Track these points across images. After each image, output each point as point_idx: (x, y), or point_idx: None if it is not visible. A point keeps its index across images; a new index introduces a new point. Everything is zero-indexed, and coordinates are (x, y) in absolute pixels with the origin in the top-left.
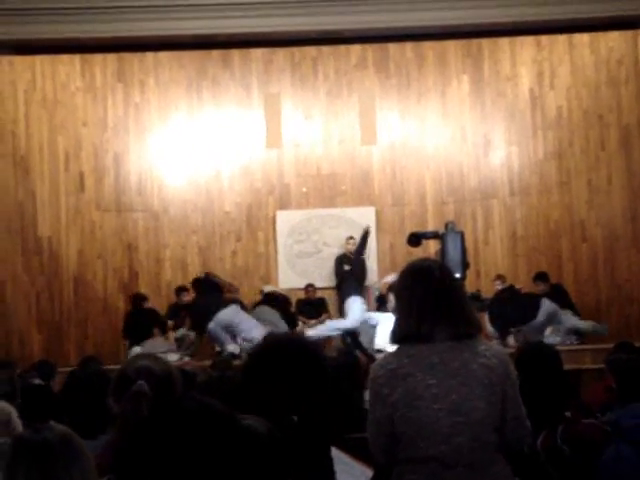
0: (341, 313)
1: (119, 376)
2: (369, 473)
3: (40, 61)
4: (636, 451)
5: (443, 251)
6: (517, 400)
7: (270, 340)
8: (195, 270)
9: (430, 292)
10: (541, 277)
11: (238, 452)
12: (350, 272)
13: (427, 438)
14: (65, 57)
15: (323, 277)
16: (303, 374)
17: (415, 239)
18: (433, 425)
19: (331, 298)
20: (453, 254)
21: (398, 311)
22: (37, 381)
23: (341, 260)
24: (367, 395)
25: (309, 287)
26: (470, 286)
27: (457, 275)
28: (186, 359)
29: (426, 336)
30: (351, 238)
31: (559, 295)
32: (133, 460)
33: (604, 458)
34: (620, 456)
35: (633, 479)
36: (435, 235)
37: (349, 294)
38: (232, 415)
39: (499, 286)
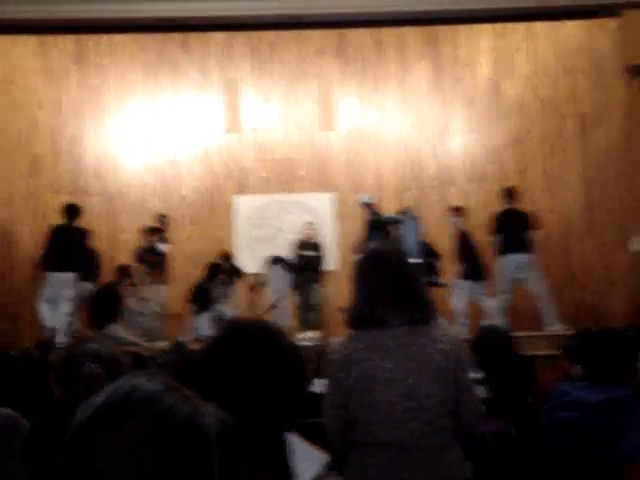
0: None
1: (65, 360)
2: (325, 458)
3: None
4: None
5: (401, 236)
6: (469, 385)
7: (233, 323)
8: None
9: (386, 277)
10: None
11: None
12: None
13: (382, 423)
14: (21, 38)
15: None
16: (263, 358)
17: (377, 224)
18: (388, 410)
19: None
20: (410, 239)
21: (354, 296)
22: None
23: (299, 246)
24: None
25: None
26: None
27: (415, 260)
28: None
29: (381, 321)
30: (310, 223)
31: None
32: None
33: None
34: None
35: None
36: (395, 221)
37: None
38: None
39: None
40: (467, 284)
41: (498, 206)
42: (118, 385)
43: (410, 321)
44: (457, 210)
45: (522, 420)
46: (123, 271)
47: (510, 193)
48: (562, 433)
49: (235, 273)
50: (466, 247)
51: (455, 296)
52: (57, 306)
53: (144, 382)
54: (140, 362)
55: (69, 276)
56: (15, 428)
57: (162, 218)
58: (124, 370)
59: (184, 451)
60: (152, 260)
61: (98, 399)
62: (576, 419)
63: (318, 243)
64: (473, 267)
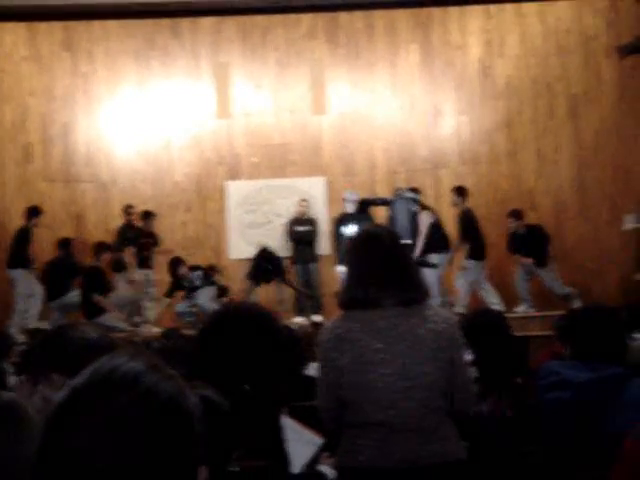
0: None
1: (49, 347)
2: (318, 440)
3: None
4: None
5: (392, 217)
6: (464, 366)
7: (226, 308)
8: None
9: (379, 258)
10: (514, 214)
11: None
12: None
13: (375, 403)
14: (10, 25)
15: (274, 247)
16: (257, 343)
17: (364, 205)
18: (381, 390)
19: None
20: (402, 220)
21: (347, 276)
22: None
23: (293, 222)
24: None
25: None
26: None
27: (408, 241)
28: None
29: (374, 301)
30: (304, 200)
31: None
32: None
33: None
34: (560, 399)
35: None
36: (384, 202)
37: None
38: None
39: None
40: (473, 264)
41: (490, 189)
42: (99, 365)
43: (403, 302)
44: (459, 190)
45: (513, 400)
46: (101, 247)
47: (518, 213)
48: (554, 412)
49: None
50: (470, 227)
51: (460, 276)
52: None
53: (125, 362)
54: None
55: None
56: (15, 413)
57: (129, 209)
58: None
59: (166, 431)
60: (146, 244)
61: (79, 379)
62: (567, 398)
63: (312, 219)
64: (478, 246)
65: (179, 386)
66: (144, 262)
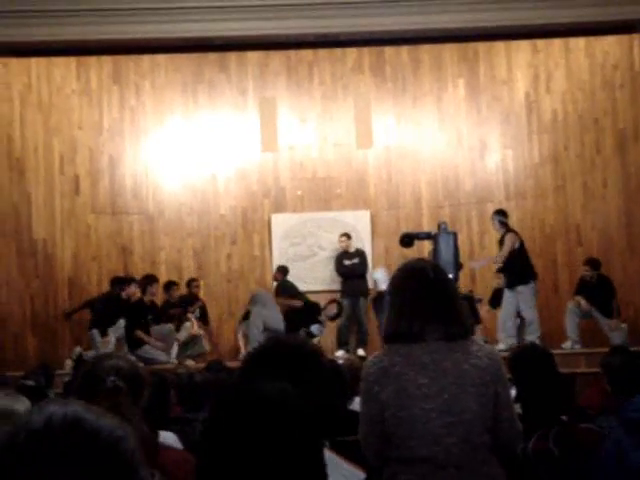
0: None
1: (85, 376)
2: (361, 475)
3: (36, 63)
4: (635, 442)
5: (436, 251)
6: (508, 401)
7: (270, 341)
8: (190, 273)
9: (423, 291)
10: (592, 263)
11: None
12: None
13: (418, 438)
14: (60, 59)
15: (317, 280)
16: (301, 376)
17: (407, 240)
18: (424, 425)
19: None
20: (446, 254)
21: (390, 309)
22: (31, 383)
23: (341, 257)
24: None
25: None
26: (465, 289)
27: (450, 275)
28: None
29: (417, 335)
30: (343, 235)
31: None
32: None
33: (605, 447)
34: (620, 444)
35: (631, 466)
36: (428, 236)
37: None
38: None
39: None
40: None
41: (536, 224)
42: (34, 412)
43: (447, 336)
44: (501, 212)
45: (558, 438)
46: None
47: (596, 262)
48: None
49: None
50: (516, 251)
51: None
52: None
53: (60, 407)
54: (162, 381)
55: None
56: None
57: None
58: (145, 385)
59: (112, 465)
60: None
61: (12, 429)
62: None
63: (360, 250)
64: (523, 270)
65: (115, 420)
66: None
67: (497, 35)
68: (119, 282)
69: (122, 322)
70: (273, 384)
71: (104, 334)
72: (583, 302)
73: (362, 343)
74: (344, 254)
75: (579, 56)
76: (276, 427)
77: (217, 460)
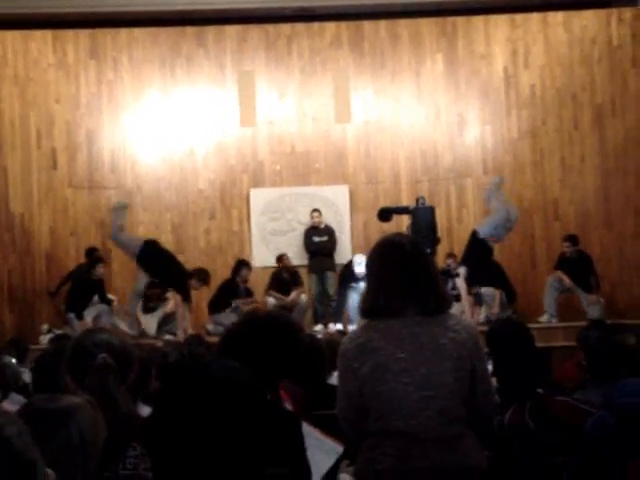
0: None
1: (75, 350)
2: (339, 448)
3: (12, 37)
4: (620, 424)
5: (414, 225)
6: (485, 375)
7: (248, 317)
8: (169, 248)
9: (400, 266)
10: (571, 239)
11: (262, 425)
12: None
13: (396, 412)
14: (37, 33)
15: (296, 255)
16: (279, 351)
17: (385, 214)
18: (402, 399)
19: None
20: (424, 229)
21: (368, 285)
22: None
23: (310, 232)
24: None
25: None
26: (442, 263)
27: (428, 250)
28: None
29: (395, 310)
30: (315, 210)
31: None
32: (161, 428)
33: (589, 424)
34: (604, 423)
35: (613, 444)
36: (405, 210)
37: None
38: (258, 386)
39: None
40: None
41: (514, 198)
42: None
43: (425, 310)
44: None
45: (534, 411)
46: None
47: (575, 238)
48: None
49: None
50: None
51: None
52: None
53: None
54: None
55: None
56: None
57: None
58: (134, 362)
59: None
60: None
61: None
62: None
63: (329, 228)
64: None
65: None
66: None
67: (475, 9)
68: (93, 253)
69: (96, 299)
70: (219, 361)
71: (80, 317)
72: (565, 277)
73: (337, 317)
74: (313, 230)
75: (557, 31)
76: (221, 406)
77: (167, 439)
